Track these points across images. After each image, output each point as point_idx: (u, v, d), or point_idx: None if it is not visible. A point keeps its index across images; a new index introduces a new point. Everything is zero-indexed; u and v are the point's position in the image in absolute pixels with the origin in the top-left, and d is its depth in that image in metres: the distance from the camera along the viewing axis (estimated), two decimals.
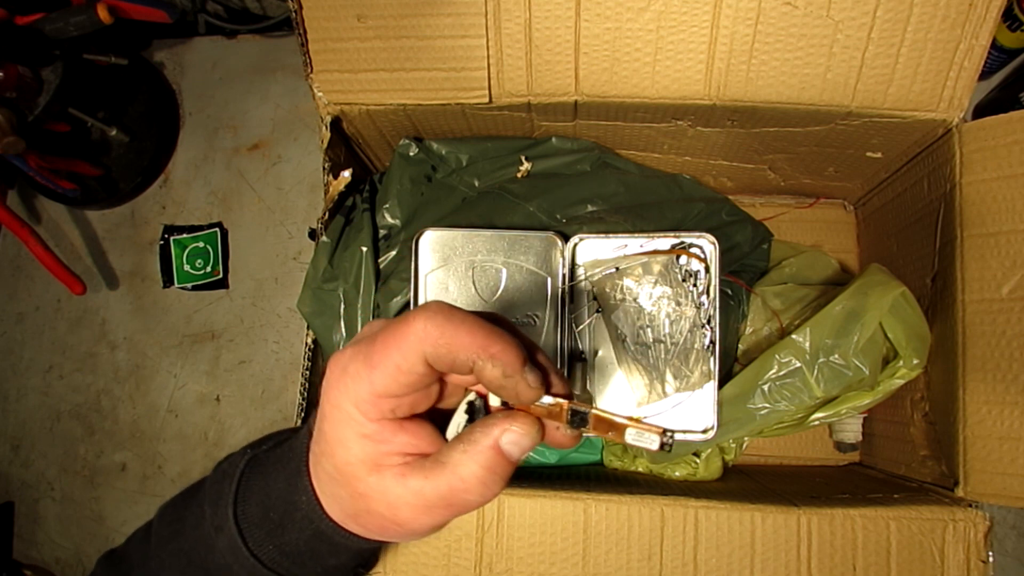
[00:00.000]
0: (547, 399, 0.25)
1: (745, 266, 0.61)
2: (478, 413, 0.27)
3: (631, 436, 0.25)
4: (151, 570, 0.31)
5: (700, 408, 0.50)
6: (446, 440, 0.26)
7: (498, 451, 0.24)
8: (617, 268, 0.51)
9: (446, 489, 0.24)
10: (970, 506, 0.44)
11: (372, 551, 0.30)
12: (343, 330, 0.52)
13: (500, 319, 0.25)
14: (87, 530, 0.77)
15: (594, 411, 0.26)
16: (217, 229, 0.79)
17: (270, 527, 0.28)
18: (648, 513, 0.45)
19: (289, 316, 0.77)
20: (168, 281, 0.79)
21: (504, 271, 0.51)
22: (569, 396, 0.26)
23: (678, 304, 0.51)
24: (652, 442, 0.25)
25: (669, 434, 0.25)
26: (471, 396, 0.27)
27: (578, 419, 0.25)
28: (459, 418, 0.26)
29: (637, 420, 0.26)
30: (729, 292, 0.58)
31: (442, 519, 0.25)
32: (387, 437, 0.24)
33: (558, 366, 0.50)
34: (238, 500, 0.28)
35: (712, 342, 0.50)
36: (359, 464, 0.24)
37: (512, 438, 0.24)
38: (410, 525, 0.25)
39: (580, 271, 0.52)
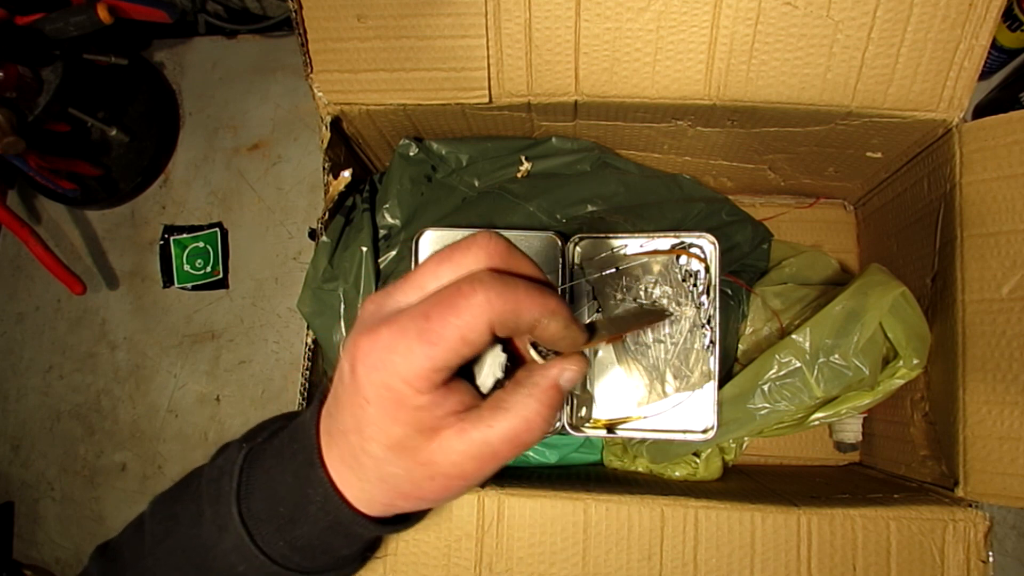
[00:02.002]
0: None
1: (745, 266, 0.61)
2: (511, 359, 0.28)
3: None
4: (146, 568, 0.31)
5: (700, 408, 0.50)
6: (478, 388, 0.27)
7: (558, 389, 0.26)
8: (617, 268, 0.51)
9: (512, 432, 0.25)
10: (970, 506, 0.44)
11: (382, 536, 0.30)
12: (343, 330, 0.52)
13: (535, 265, 0.27)
14: (87, 530, 0.77)
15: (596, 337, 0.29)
16: (217, 229, 0.79)
17: (280, 522, 0.27)
18: (648, 513, 0.45)
19: (289, 316, 0.77)
20: (168, 281, 0.79)
21: None
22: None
23: (678, 304, 0.51)
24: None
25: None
26: (498, 346, 0.27)
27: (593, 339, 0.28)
28: (494, 367, 0.27)
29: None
30: (729, 292, 0.58)
31: (506, 460, 0.26)
32: (439, 402, 0.25)
33: None
34: (241, 497, 0.28)
35: (712, 342, 0.50)
36: (417, 436, 0.25)
37: (570, 376, 0.27)
38: (476, 475, 0.26)
39: (580, 271, 0.52)
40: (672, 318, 0.51)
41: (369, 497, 0.27)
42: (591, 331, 0.28)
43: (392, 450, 0.25)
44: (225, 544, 0.28)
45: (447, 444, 0.25)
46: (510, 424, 0.25)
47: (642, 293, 0.51)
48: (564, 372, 0.26)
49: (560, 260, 0.51)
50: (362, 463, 0.26)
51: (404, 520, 0.30)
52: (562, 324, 0.25)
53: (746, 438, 0.59)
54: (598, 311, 0.52)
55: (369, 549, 0.32)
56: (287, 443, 0.29)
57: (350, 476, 0.27)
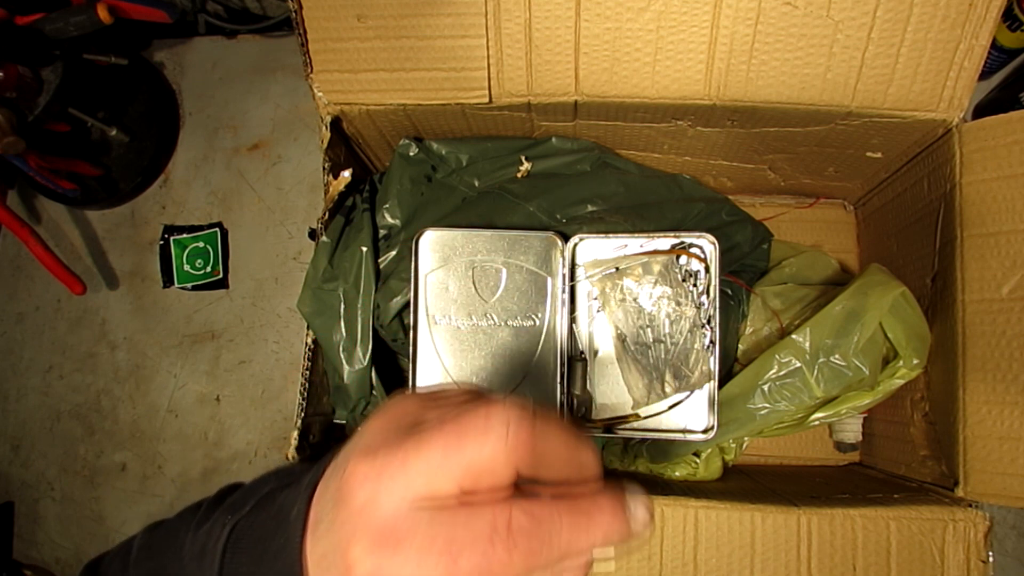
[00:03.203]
0: None
1: (745, 266, 0.61)
2: None
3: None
4: None
5: (700, 408, 0.50)
6: None
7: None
8: (617, 268, 0.51)
9: None
10: (970, 506, 0.44)
11: None
12: (343, 330, 0.52)
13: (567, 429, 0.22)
14: (87, 530, 0.77)
15: None
16: (217, 229, 0.79)
17: None
18: None
19: (289, 316, 0.77)
20: (168, 281, 0.79)
21: (504, 271, 0.51)
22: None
23: (678, 304, 0.51)
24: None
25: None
26: None
27: None
28: None
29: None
30: (729, 292, 0.58)
31: None
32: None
33: (558, 366, 0.50)
34: (225, 558, 0.26)
35: (712, 342, 0.50)
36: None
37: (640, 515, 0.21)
38: None
39: (580, 271, 0.52)
40: (671, 319, 0.51)
41: None
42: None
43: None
44: None
45: None
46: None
47: (642, 293, 0.52)
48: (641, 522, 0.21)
49: (560, 260, 0.51)
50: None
51: None
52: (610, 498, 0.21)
53: (746, 438, 0.59)
54: (598, 311, 0.53)
55: None
56: (272, 532, 0.25)
57: None
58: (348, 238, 0.54)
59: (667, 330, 0.51)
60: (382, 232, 0.56)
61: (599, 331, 0.53)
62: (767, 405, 0.52)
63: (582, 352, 0.52)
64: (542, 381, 0.50)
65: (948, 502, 0.45)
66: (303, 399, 0.51)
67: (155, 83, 0.81)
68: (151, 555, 0.31)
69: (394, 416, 0.22)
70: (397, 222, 0.56)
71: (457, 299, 0.51)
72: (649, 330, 0.51)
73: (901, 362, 0.51)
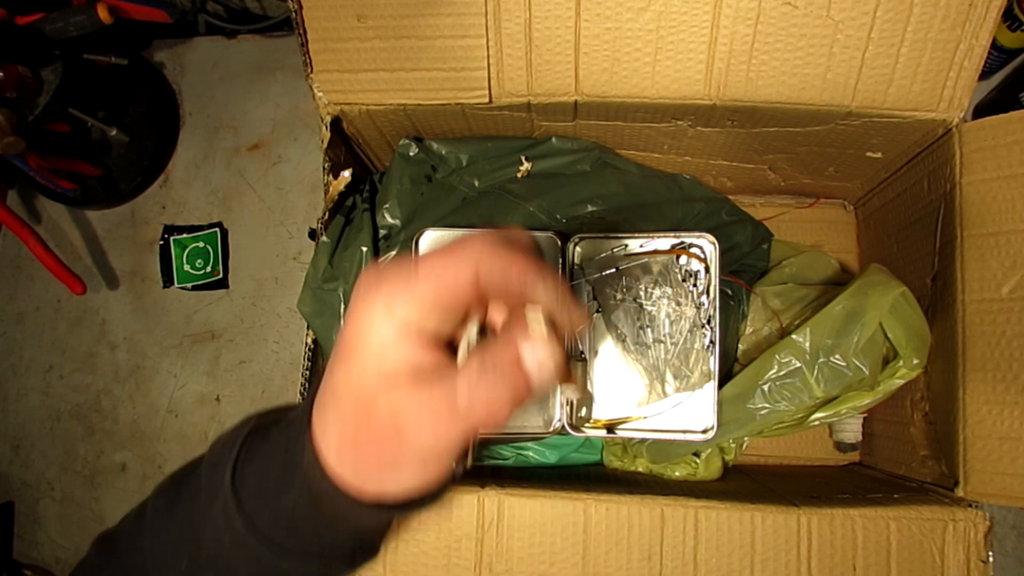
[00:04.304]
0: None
1: (745, 266, 0.61)
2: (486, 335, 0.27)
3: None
4: (143, 546, 0.30)
5: (700, 408, 0.50)
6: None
7: (518, 369, 0.23)
8: (617, 268, 0.51)
9: (455, 397, 0.23)
10: (970, 506, 0.44)
11: (370, 533, 0.29)
12: None
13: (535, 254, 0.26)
14: (87, 530, 0.77)
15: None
16: (217, 229, 0.79)
17: (268, 490, 0.26)
18: (648, 513, 0.45)
19: (289, 316, 0.77)
20: (168, 281, 0.79)
21: None
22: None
23: (678, 304, 0.51)
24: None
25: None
26: (475, 324, 0.26)
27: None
28: (467, 341, 0.26)
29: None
30: (729, 292, 0.58)
31: (447, 433, 0.23)
32: (409, 351, 0.23)
33: None
34: (237, 466, 0.27)
35: (712, 342, 0.50)
36: (376, 377, 0.23)
37: (540, 359, 0.23)
38: (414, 439, 0.23)
39: (580, 271, 0.52)
40: (671, 319, 0.51)
41: (330, 448, 0.25)
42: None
43: (350, 387, 0.24)
44: (215, 512, 0.27)
45: (395, 395, 0.23)
46: (455, 388, 0.23)
47: (642, 293, 0.52)
48: (534, 352, 0.23)
49: (560, 260, 0.51)
50: (325, 403, 0.25)
51: (391, 508, 0.27)
52: (551, 291, 0.23)
53: (746, 438, 0.59)
54: (598, 311, 0.52)
55: (361, 550, 0.29)
56: (289, 414, 0.28)
57: (322, 429, 0.25)
58: (348, 238, 0.54)
59: (667, 330, 0.51)
60: (382, 232, 0.56)
61: (599, 331, 0.53)
62: (767, 405, 0.52)
63: (582, 352, 0.52)
64: None
65: (948, 502, 0.45)
66: (303, 399, 0.51)
67: (155, 83, 0.81)
68: (172, 482, 0.31)
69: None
70: (397, 222, 0.56)
71: None
72: (649, 330, 0.51)
73: (901, 362, 0.51)
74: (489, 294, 0.24)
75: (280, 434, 0.27)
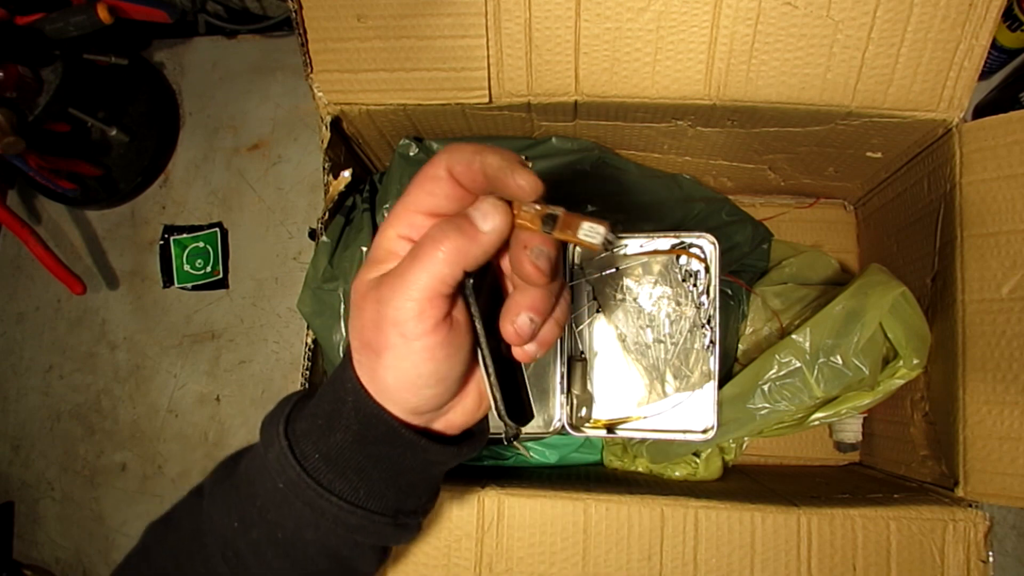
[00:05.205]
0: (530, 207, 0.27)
1: (745, 266, 0.62)
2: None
3: (584, 231, 0.26)
4: (199, 513, 0.31)
5: (700, 408, 0.50)
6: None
7: (464, 216, 0.27)
8: (617, 268, 0.52)
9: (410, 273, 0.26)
10: (970, 506, 0.44)
11: (415, 471, 0.30)
12: (343, 330, 0.52)
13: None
14: (87, 530, 0.77)
15: (562, 210, 0.27)
16: (217, 229, 0.79)
17: (318, 433, 0.28)
18: (648, 513, 0.45)
19: (289, 316, 0.77)
20: (168, 281, 0.79)
21: None
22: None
23: (678, 304, 0.51)
24: (597, 234, 0.26)
25: (617, 228, 0.25)
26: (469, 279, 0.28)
27: (550, 222, 0.27)
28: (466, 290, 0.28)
29: (589, 216, 0.26)
30: (729, 292, 0.58)
31: (406, 292, 0.26)
32: (399, 247, 0.27)
33: (558, 366, 0.50)
34: (290, 418, 0.29)
35: (712, 342, 0.50)
36: (367, 281, 0.27)
37: (480, 209, 0.26)
38: (388, 313, 0.26)
39: (580, 271, 0.52)
40: (671, 319, 0.51)
41: (359, 364, 0.28)
42: (549, 219, 0.26)
43: (365, 295, 0.27)
44: (269, 461, 0.28)
45: (379, 286, 0.27)
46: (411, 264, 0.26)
47: (642, 293, 0.52)
48: (477, 206, 0.26)
49: (560, 260, 0.51)
50: (352, 317, 0.28)
51: (441, 441, 0.29)
52: (499, 159, 0.25)
53: (746, 438, 0.59)
54: (598, 311, 0.53)
55: (402, 512, 0.30)
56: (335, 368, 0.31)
57: (355, 356, 0.28)
58: (348, 238, 0.54)
59: (667, 330, 0.51)
60: None
61: (599, 331, 0.53)
62: (767, 405, 0.52)
63: (582, 352, 0.52)
64: (542, 381, 0.50)
65: (948, 502, 0.45)
66: None
67: (155, 83, 0.81)
68: (231, 456, 0.33)
69: None
70: None
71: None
72: (649, 330, 0.51)
73: (901, 362, 0.51)
74: (463, 182, 0.27)
75: (326, 386, 0.30)
